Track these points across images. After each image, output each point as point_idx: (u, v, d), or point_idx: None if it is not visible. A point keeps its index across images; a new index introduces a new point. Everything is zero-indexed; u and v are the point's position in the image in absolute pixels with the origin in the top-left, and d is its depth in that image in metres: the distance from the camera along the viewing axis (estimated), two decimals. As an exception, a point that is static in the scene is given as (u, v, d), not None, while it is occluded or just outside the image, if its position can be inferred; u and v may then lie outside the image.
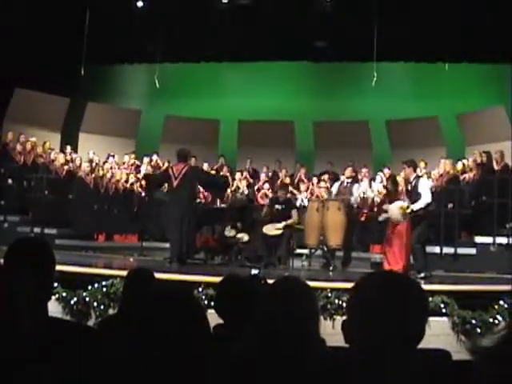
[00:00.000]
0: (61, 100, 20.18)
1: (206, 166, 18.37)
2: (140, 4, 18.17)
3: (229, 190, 16.68)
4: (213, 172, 17.88)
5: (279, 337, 2.72)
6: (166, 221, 13.15)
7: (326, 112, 21.62)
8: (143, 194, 17.89)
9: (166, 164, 18.32)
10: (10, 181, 16.93)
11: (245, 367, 2.65)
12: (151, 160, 19.31)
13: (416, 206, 11.56)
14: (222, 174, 17.96)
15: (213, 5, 18.12)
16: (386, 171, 17.45)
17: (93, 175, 17.57)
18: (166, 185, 13.49)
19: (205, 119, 21.70)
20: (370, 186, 16.94)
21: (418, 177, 12.11)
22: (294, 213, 13.74)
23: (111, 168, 18.27)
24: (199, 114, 21.69)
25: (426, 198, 11.64)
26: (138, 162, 19.48)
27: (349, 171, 14.00)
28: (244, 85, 22.71)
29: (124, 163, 19.26)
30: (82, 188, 17.11)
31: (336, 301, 8.96)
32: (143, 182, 16.91)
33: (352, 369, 2.23)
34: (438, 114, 19.86)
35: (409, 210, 11.52)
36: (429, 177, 16.09)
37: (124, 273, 6.42)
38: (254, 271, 6.81)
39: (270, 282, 5.59)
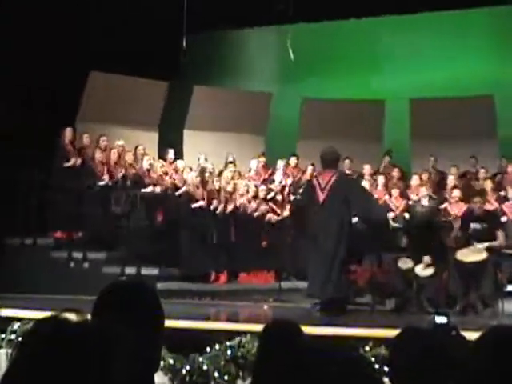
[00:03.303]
0: (156, 85, 20.27)
1: (367, 169, 18.17)
2: None
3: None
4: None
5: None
6: (309, 252, 13.22)
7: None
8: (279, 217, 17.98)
9: (310, 168, 18.20)
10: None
11: None
12: (288, 164, 19.31)
13: None
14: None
15: None
16: None
17: (205, 189, 17.61)
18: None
19: (360, 101, 21.58)
20: None
21: None
22: (500, 233, 13.59)
23: (232, 178, 18.29)
24: (352, 95, 21.64)
25: None
26: (270, 169, 19.45)
27: None
28: (413, 49, 22.30)
29: (250, 170, 19.19)
30: (191, 209, 17.29)
31: None
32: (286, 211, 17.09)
33: None
34: None
35: None
36: None
37: (257, 327, 6.52)
38: (440, 319, 6.73)
39: (468, 335, 5.55)
